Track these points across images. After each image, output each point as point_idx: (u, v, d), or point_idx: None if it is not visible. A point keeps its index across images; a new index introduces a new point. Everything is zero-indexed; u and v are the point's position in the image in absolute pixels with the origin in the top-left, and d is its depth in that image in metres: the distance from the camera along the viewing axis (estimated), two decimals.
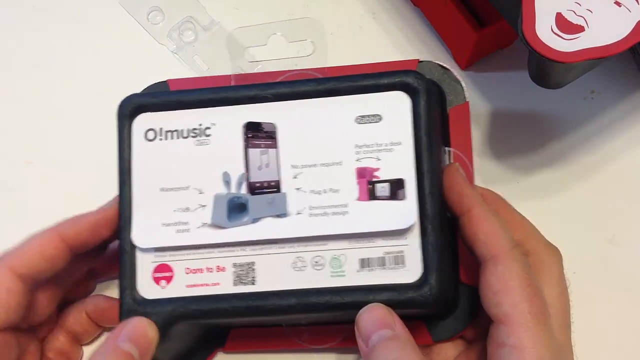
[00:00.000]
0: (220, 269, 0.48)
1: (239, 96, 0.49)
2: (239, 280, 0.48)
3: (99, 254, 0.52)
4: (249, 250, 0.48)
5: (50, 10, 0.64)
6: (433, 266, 0.46)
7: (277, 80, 0.53)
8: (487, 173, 0.58)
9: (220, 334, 0.53)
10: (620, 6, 0.47)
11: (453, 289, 0.49)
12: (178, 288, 0.48)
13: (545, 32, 0.47)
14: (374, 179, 0.47)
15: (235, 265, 0.48)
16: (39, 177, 0.59)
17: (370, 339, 0.44)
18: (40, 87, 0.61)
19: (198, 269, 0.48)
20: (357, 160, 0.48)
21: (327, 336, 0.53)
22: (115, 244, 0.52)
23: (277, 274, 0.47)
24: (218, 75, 0.56)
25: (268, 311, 0.47)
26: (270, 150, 0.49)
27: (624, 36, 0.47)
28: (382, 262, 0.47)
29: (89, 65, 0.62)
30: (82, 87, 0.61)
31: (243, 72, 0.55)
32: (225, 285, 0.48)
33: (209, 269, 0.48)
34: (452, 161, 0.50)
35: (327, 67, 0.52)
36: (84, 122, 0.59)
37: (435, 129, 0.49)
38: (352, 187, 0.47)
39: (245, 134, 0.49)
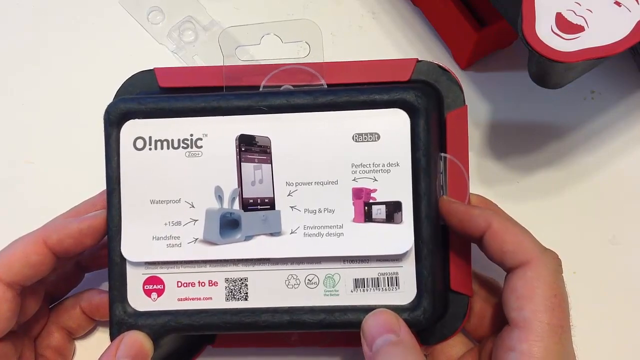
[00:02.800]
0: (212, 283, 0.48)
1: (232, 107, 0.48)
2: (231, 295, 0.48)
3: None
4: (241, 266, 0.48)
5: (50, 10, 0.64)
6: (427, 289, 0.46)
7: (272, 73, 0.52)
8: (487, 173, 0.58)
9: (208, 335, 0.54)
10: (620, 6, 0.47)
11: (444, 303, 0.49)
12: (169, 301, 0.48)
13: (545, 32, 0.46)
14: (371, 201, 0.47)
15: (227, 280, 0.48)
16: (39, 177, 0.59)
17: (375, 342, 0.44)
18: (40, 87, 0.61)
19: (190, 283, 0.48)
20: (353, 180, 0.47)
21: (316, 337, 0.53)
22: None
23: (270, 290, 0.47)
24: (208, 66, 0.54)
25: (260, 327, 0.47)
26: (264, 165, 0.48)
27: (624, 36, 0.47)
28: (376, 283, 0.47)
29: (88, 65, 0.62)
30: (81, 87, 0.61)
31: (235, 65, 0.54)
32: (217, 300, 0.47)
33: (201, 283, 0.48)
34: (447, 168, 0.49)
35: (324, 63, 0.51)
36: (83, 122, 0.59)
37: (434, 148, 0.48)
38: (347, 207, 0.47)
39: (239, 147, 0.47)
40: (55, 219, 0.48)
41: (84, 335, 0.55)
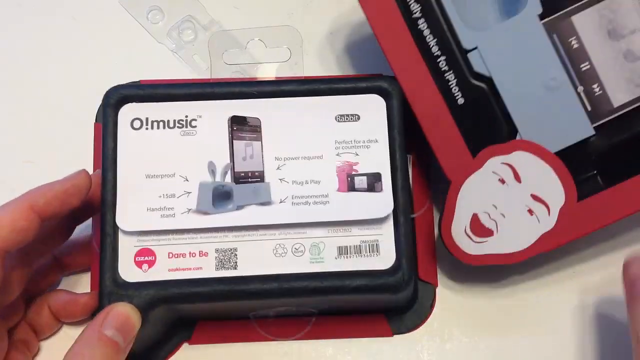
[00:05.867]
0: (202, 254, 0.51)
1: (224, 91, 0.52)
2: (221, 265, 0.50)
3: (67, 234, 0.54)
4: (231, 236, 0.51)
5: (50, 9, 0.66)
6: (405, 254, 0.50)
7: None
8: None
9: (186, 327, 0.56)
10: (532, 214, 0.51)
11: (415, 290, 0.54)
12: (160, 272, 0.50)
13: (458, 231, 0.52)
14: (353, 172, 0.51)
15: (217, 250, 0.51)
16: (38, 177, 0.56)
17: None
18: (39, 87, 0.63)
19: (181, 254, 0.51)
20: (337, 155, 0.52)
21: (293, 328, 0.56)
22: (82, 235, 0.55)
23: (258, 259, 0.51)
24: (192, 79, 0.60)
25: (249, 295, 0.50)
26: (254, 142, 0.52)
27: (526, 247, 0.51)
28: (358, 250, 0.51)
29: (88, 64, 0.64)
30: (81, 87, 0.63)
31: (224, 76, 0.59)
32: (207, 269, 0.50)
33: (192, 254, 0.50)
34: (411, 167, 0.56)
35: (302, 77, 0.58)
36: (83, 122, 0.60)
37: (405, 130, 0.53)
38: (332, 179, 0.51)
39: (231, 126, 0.52)
40: (35, 187, 0.49)
41: (50, 337, 0.56)
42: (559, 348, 0.57)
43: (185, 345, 0.56)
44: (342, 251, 0.51)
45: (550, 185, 0.51)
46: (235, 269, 0.50)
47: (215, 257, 0.51)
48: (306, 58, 0.63)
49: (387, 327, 0.56)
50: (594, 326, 0.57)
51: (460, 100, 0.52)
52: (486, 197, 0.52)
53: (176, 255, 0.51)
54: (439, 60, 0.53)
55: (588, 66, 0.52)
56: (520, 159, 0.52)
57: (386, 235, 0.51)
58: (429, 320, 0.57)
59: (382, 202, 0.51)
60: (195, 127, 0.52)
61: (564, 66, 0.52)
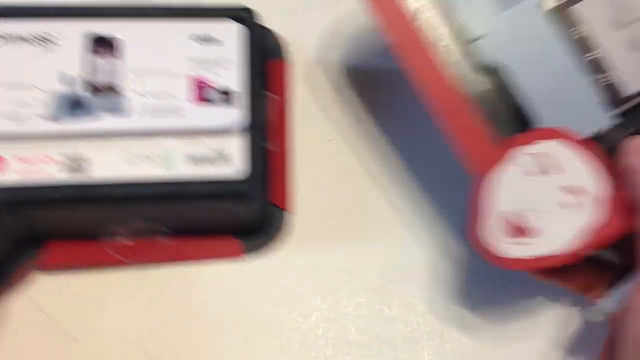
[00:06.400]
0: (52, 159, 0.50)
1: (85, 11, 0.53)
2: (70, 170, 0.50)
3: None
4: (82, 143, 0.51)
5: None
6: (255, 165, 0.51)
7: None
8: None
9: (34, 247, 0.56)
10: (568, 207, 0.47)
11: (267, 198, 0.56)
12: (6, 176, 0.50)
13: (488, 232, 0.49)
14: (208, 87, 0.52)
15: (67, 156, 0.50)
16: None
17: None
18: None
19: (29, 158, 0.50)
20: (193, 72, 0.53)
21: (146, 250, 0.56)
22: None
23: (109, 166, 0.51)
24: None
25: (97, 200, 0.51)
26: (112, 58, 0.52)
27: (570, 244, 0.46)
28: (209, 159, 0.51)
29: None
30: None
31: None
32: (56, 175, 0.50)
33: (41, 159, 0.50)
34: (270, 104, 0.59)
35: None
36: None
37: (261, 57, 0.56)
38: (187, 93, 0.53)
39: (89, 43, 0.52)
40: None
41: None
42: (560, 349, 0.57)
43: (37, 274, 0.56)
44: (193, 159, 0.51)
45: (582, 174, 0.47)
46: (85, 174, 0.50)
47: (65, 163, 0.50)
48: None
49: (238, 247, 0.58)
50: (597, 328, 0.57)
51: (474, 91, 0.51)
52: (515, 192, 0.49)
53: (25, 160, 0.50)
54: (448, 51, 0.52)
55: (598, 54, 0.50)
56: (547, 148, 0.48)
57: (239, 148, 0.53)
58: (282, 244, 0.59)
59: (234, 115, 0.53)
60: (53, 43, 0.52)
61: (574, 55, 0.50)
